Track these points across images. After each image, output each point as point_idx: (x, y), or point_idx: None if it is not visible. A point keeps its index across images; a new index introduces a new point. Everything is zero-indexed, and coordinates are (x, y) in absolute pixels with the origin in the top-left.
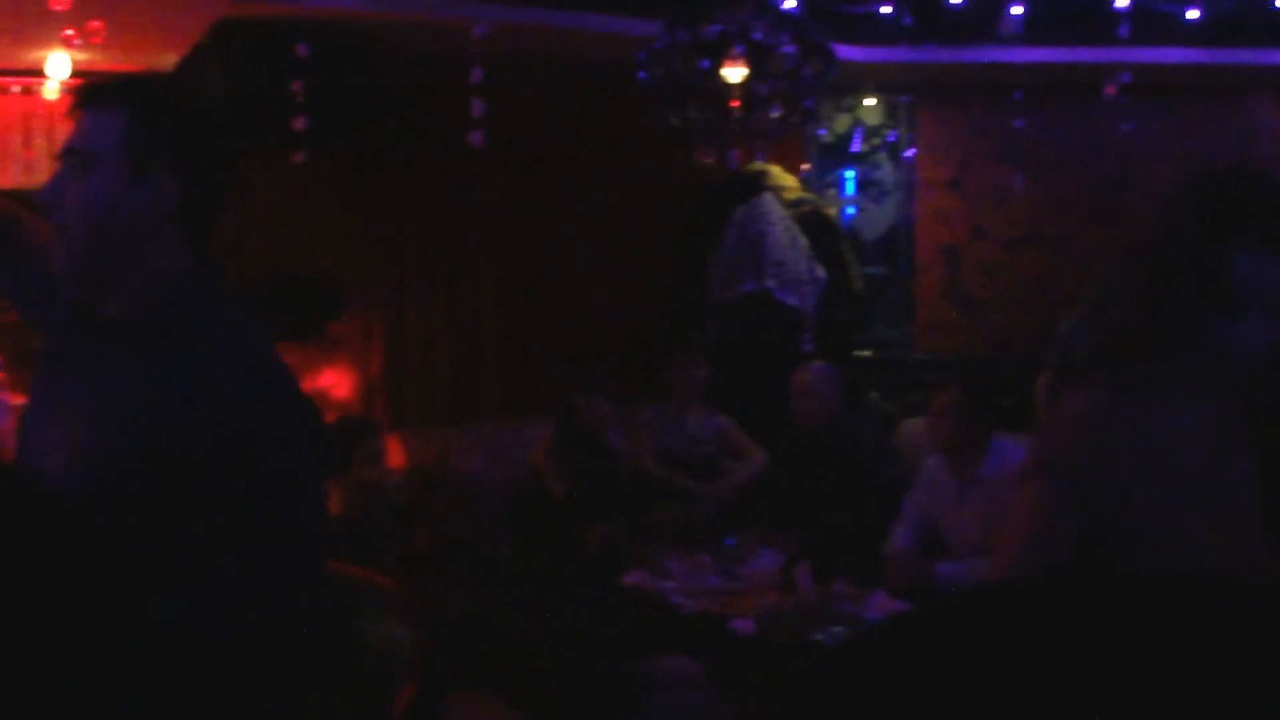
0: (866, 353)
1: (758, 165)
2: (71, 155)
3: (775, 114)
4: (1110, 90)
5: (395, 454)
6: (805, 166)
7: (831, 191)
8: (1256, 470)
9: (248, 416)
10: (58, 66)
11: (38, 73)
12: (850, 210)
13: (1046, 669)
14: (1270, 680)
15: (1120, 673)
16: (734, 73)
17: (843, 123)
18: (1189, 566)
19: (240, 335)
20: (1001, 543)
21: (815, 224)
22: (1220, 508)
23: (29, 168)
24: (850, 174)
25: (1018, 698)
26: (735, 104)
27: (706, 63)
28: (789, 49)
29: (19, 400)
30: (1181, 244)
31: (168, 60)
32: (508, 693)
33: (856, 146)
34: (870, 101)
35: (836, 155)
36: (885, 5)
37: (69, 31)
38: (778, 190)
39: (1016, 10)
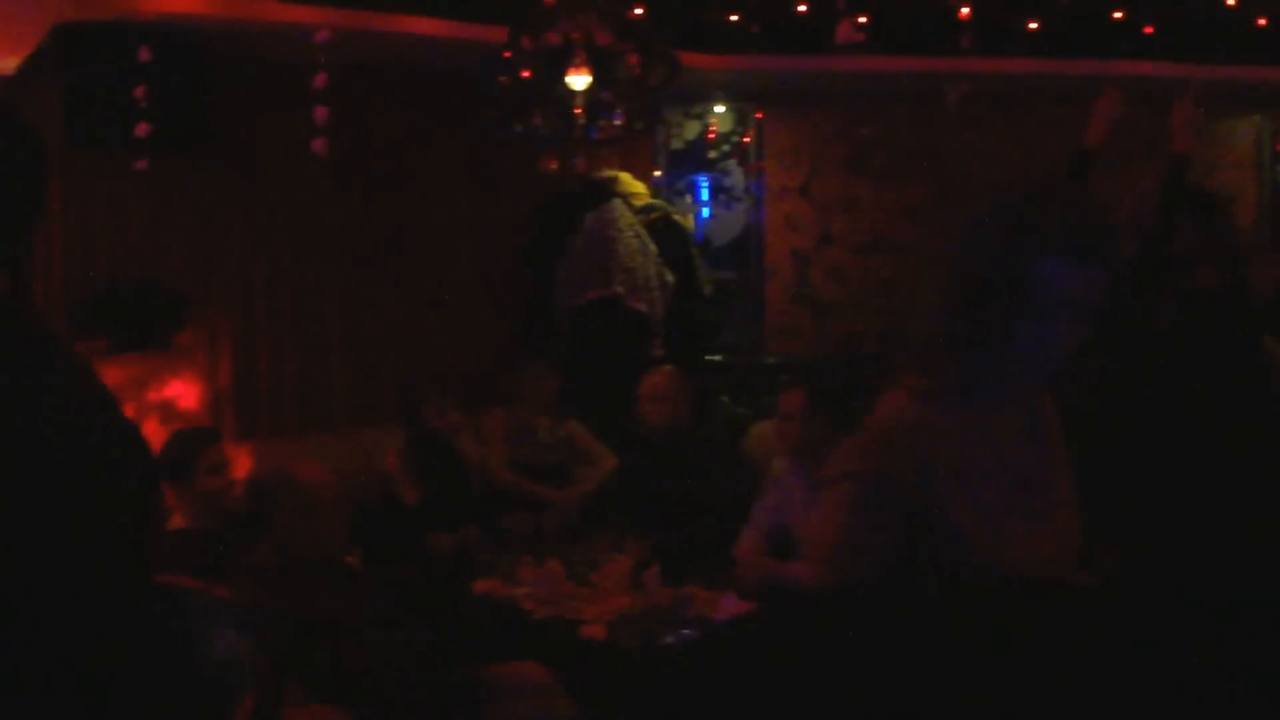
0: (717, 356)
1: (608, 172)
2: None
3: (619, 121)
4: (953, 98)
5: (243, 464)
6: (656, 173)
7: (686, 199)
8: (1072, 465)
9: (72, 441)
10: None
11: None
12: (701, 215)
13: (883, 671)
14: (1085, 676)
15: (946, 675)
16: (578, 80)
17: (693, 130)
18: (1007, 563)
19: (61, 358)
20: (821, 545)
21: (664, 230)
22: (1036, 503)
23: None
24: (701, 180)
25: (860, 698)
26: (579, 111)
27: (550, 70)
28: (633, 56)
29: None
30: (987, 251)
31: (8, 65)
32: (351, 704)
33: (707, 153)
34: (720, 109)
35: (687, 162)
36: (733, 14)
37: None
38: (627, 196)
39: (861, 20)
